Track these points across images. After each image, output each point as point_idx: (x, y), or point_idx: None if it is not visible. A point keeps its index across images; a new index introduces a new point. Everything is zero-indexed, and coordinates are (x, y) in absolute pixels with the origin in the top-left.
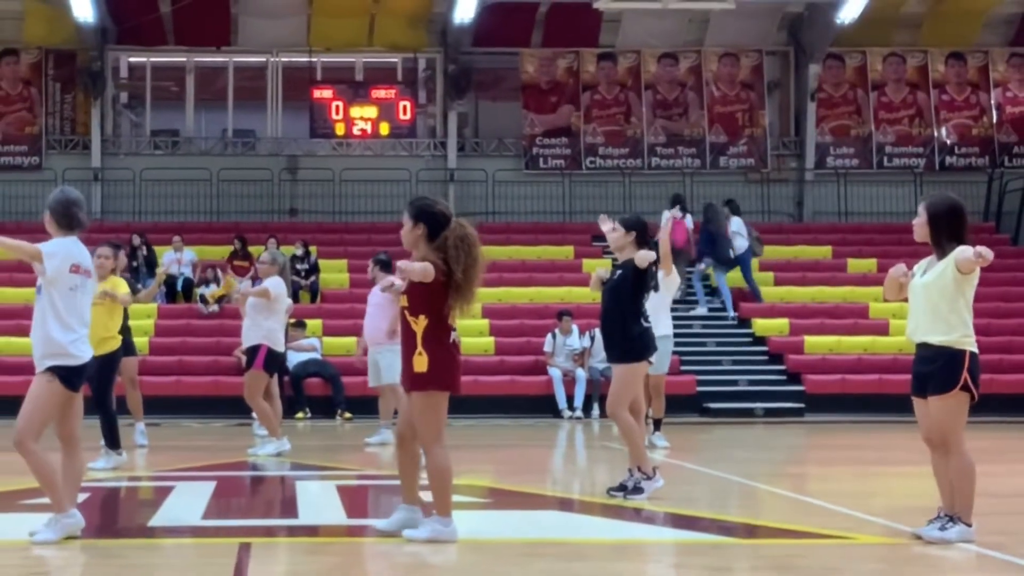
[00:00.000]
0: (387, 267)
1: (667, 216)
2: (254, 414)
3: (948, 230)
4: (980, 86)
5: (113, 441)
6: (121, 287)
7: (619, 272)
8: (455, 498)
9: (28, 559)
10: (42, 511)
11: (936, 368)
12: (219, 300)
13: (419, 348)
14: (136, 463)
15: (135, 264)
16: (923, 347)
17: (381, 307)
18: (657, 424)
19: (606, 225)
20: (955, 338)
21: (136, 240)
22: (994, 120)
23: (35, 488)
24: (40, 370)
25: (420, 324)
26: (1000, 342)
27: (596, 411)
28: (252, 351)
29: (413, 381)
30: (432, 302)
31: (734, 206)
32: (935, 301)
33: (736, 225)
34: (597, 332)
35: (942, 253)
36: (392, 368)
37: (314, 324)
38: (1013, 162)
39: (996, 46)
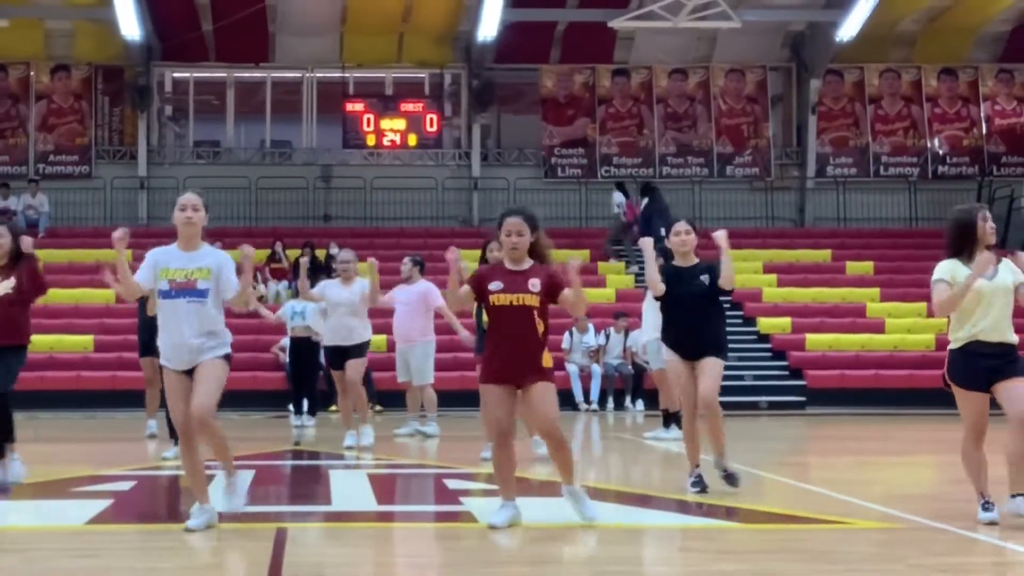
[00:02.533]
0: (423, 267)
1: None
2: (292, 407)
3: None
4: (970, 100)
5: (174, 432)
6: None
7: (703, 278)
8: (479, 485)
9: (81, 542)
10: (93, 498)
11: (1012, 360)
12: (259, 299)
13: (544, 347)
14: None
15: None
16: (998, 346)
17: (412, 306)
18: (674, 416)
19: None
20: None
21: None
22: (983, 131)
23: (86, 476)
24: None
25: (542, 327)
26: None
27: (611, 404)
28: (364, 345)
29: (544, 374)
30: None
31: (648, 188)
32: (1009, 303)
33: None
34: (612, 330)
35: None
36: (424, 370)
37: None
38: (1001, 171)
39: (985, 62)
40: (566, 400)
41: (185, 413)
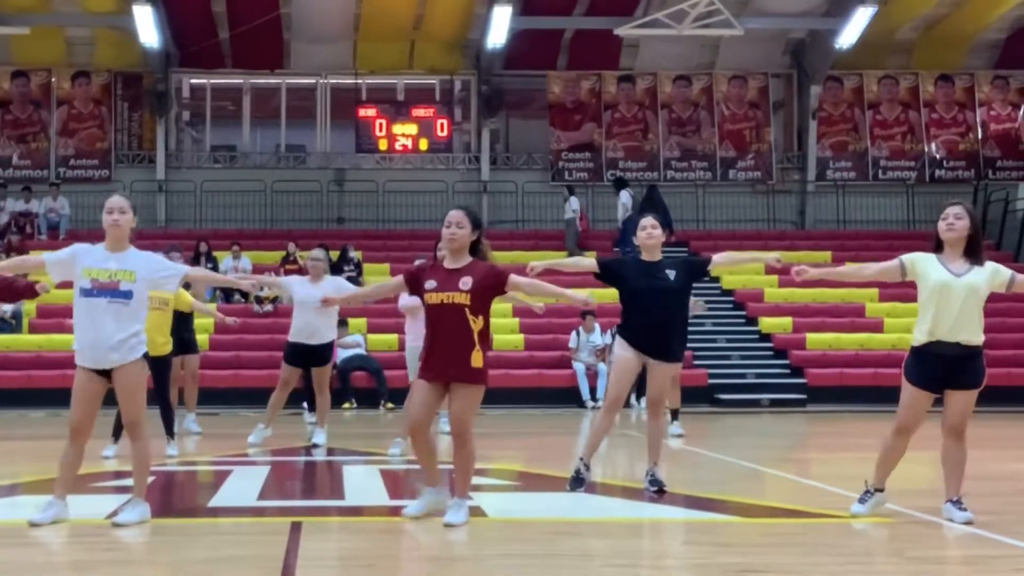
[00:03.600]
0: None
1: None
2: (306, 404)
3: (981, 241)
4: (966, 105)
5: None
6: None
7: (675, 275)
8: (490, 481)
9: (102, 536)
10: (115, 493)
11: (975, 364)
12: (273, 301)
13: (476, 346)
14: (197, 449)
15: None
16: (955, 346)
17: None
18: (674, 414)
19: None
20: (983, 338)
21: (203, 247)
22: (979, 136)
23: (108, 471)
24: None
25: (478, 324)
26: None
27: None
28: (329, 346)
29: (471, 375)
30: (489, 304)
31: (621, 182)
32: (977, 304)
33: (624, 198)
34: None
35: (977, 259)
36: None
37: (359, 322)
38: (996, 175)
39: (981, 69)
40: (573, 398)
41: (88, 414)
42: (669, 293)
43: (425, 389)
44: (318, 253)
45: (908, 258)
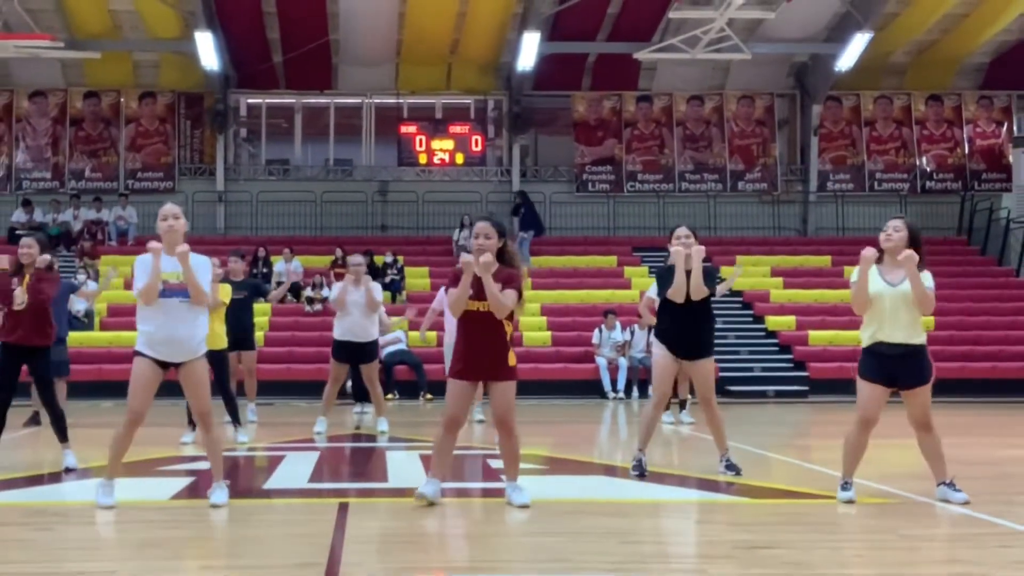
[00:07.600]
0: None
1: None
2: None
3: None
4: (955, 123)
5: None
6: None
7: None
8: (522, 465)
9: (166, 515)
10: (177, 476)
11: (917, 365)
12: (323, 301)
13: (510, 347)
14: (254, 436)
15: (255, 272)
16: (899, 346)
17: None
18: (683, 405)
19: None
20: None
21: (261, 252)
22: (966, 151)
23: (170, 456)
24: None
25: (509, 328)
26: (970, 335)
27: (636, 393)
28: (375, 344)
29: (509, 373)
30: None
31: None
32: (912, 307)
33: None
34: (636, 327)
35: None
36: None
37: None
38: (982, 186)
39: (968, 89)
40: (595, 389)
41: (149, 401)
42: (700, 302)
43: (464, 389)
44: (358, 258)
45: (855, 275)
